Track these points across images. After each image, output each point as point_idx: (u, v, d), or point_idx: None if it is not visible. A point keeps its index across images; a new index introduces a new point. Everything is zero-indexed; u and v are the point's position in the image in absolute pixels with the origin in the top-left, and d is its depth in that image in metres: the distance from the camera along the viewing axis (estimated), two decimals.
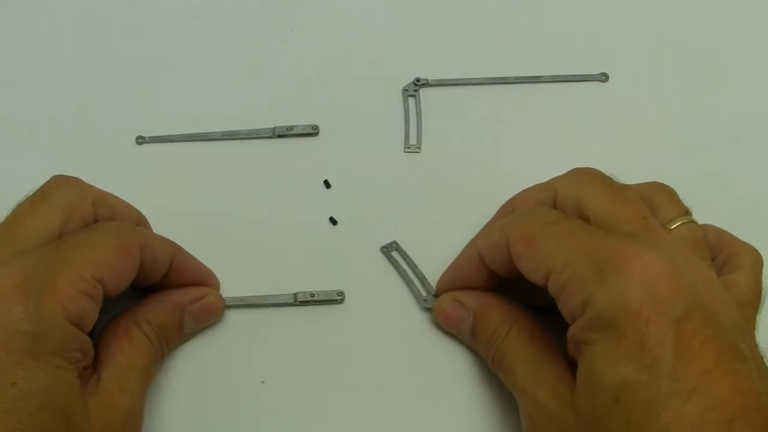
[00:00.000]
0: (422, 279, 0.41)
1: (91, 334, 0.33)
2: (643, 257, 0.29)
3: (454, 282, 0.39)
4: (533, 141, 0.46)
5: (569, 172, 0.36)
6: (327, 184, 0.44)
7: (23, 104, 0.47)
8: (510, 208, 0.39)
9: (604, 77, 0.49)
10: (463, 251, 0.39)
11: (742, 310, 0.32)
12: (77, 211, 0.35)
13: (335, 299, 0.40)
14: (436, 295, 0.40)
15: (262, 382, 0.38)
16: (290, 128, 0.46)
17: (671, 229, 0.34)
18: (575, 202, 0.34)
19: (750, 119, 0.47)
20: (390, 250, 0.42)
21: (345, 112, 0.47)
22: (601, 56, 0.49)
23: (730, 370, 0.28)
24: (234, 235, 0.42)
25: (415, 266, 0.41)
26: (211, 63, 0.49)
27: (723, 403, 0.27)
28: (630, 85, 0.48)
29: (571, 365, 0.32)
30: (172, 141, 0.46)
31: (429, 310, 0.40)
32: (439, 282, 0.40)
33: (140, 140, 0.46)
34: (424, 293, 0.40)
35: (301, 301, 0.40)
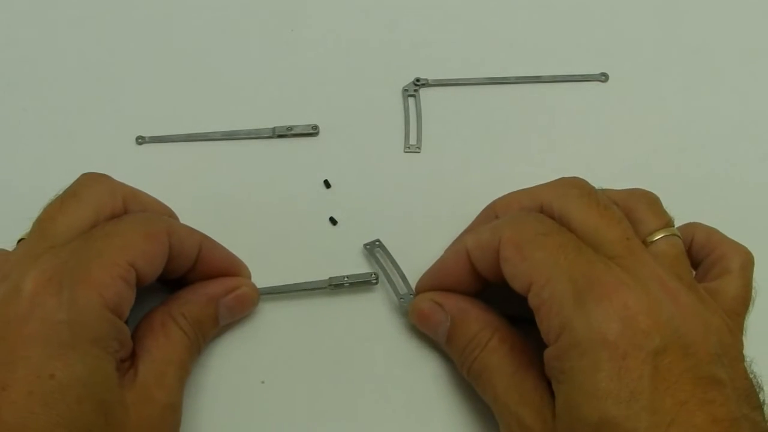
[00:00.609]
0: (403, 278, 0.40)
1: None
2: (624, 289, 0.30)
3: (435, 280, 0.38)
4: (533, 141, 0.46)
5: (555, 182, 0.36)
6: (327, 184, 0.44)
7: (24, 104, 0.47)
8: (492, 212, 0.38)
9: (604, 77, 0.49)
10: (450, 248, 0.38)
11: (727, 320, 0.32)
12: (108, 208, 0.35)
13: (370, 280, 0.40)
14: (416, 295, 0.39)
15: (262, 382, 0.38)
16: (290, 128, 0.46)
17: (652, 242, 0.34)
18: (560, 217, 0.34)
19: (749, 119, 0.47)
20: (373, 248, 0.41)
21: (345, 112, 0.47)
22: (601, 56, 0.49)
23: (706, 399, 0.28)
24: (234, 235, 0.42)
25: (397, 266, 0.41)
26: (211, 63, 0.49)
27: None
28: (630, 85, 0.48)
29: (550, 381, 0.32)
30: (172, 141, 0.46)
31: (406, 310, 0.39)
32: (420, 280, 0.39)
33: (140, 140, 0.46)
34: (402, 292, 0.40)
35: (334, 285, 0.40)
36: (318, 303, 0.40)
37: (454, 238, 0.41)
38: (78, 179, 0.36)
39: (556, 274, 0.31)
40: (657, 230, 0.34)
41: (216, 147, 0.46)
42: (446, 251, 0.39)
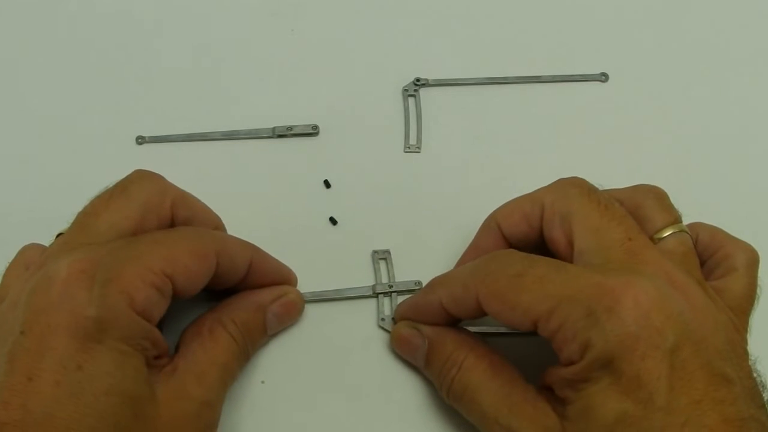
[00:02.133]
0: (394, 298, 0.40)
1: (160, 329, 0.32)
2: (629, 288, 0.29)
3: (413, 317, 0.37)
4: (533, 141, 0.46)
5: (555, 183, 0.36)
6: (327, 184, 0.44)
7: (24, 104, 0.47)
8: (494, 223, 0.37)
9: (604, 77, 0.49)
10: (424, 294, 0.37)
11: (734, 318, 0.32)
12: (155, 209, 0.34)
13: (413, 290, 0.40)
14: (395, 320, 0.39)
15: (262, 382, 0.38)
16: (290, 128, 0.46)
17: (661, 239, 0.33)
18: (562, 218, 0.34)
19: (749, 118, 0.47)
20: (378, 256, 0.41)
21: (345, 112, 0.47)
22: (601, 56, 0.49)
23: (717, 398, 0.28)
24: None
25: (394, 281, 0.41)
26: (212, 63, 0.49)
27: None
28: (630, 85, 0.48)
29: (542, 391, 0.32)
30: (172, 141, 0.46)
31: (384, 330, 0.39)
32: (398, 310, 0.39)
33: (140, 140, 0.46)
34: (387, 312, 0.40)
35: (380, 293, 0.40)
36: (318, 305, 0.40)
37: (454, 238, 0.41)
38: (130, 175, 0.35)
39: (554, 303, 0.30)
40: (665, 227, 0.34)
41: (216, 147, 0.46)
42: (421, 294, 0.38)
